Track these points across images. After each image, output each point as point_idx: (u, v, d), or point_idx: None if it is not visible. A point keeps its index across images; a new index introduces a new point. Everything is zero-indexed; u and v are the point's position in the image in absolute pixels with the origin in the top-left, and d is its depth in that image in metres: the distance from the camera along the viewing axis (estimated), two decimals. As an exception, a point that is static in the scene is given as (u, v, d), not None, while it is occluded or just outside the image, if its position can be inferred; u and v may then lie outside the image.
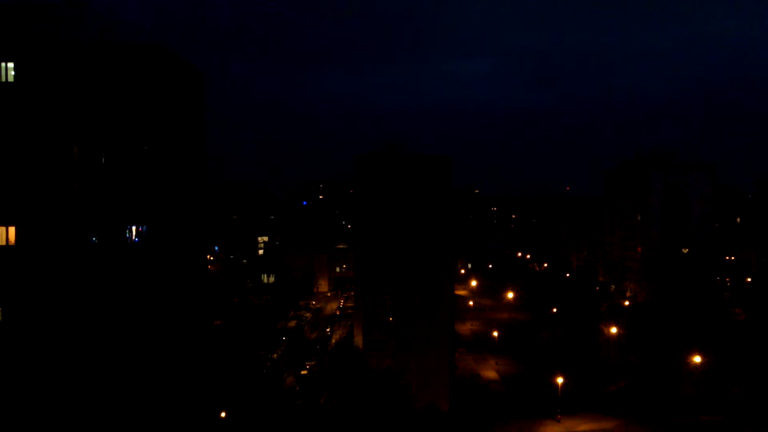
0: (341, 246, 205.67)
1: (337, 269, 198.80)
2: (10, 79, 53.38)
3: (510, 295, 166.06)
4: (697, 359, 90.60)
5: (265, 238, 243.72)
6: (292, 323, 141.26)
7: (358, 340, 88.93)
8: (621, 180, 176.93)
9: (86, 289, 53.34)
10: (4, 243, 53.20)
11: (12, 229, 53.30)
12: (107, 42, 57.23)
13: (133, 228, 54.57)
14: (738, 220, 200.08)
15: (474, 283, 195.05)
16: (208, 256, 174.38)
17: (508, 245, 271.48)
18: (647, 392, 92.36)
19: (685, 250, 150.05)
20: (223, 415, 69.12)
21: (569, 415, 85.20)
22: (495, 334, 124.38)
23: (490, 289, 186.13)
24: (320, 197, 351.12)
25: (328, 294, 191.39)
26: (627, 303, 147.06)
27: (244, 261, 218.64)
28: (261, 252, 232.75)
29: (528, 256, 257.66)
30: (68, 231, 53.40)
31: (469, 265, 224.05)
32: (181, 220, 60.44)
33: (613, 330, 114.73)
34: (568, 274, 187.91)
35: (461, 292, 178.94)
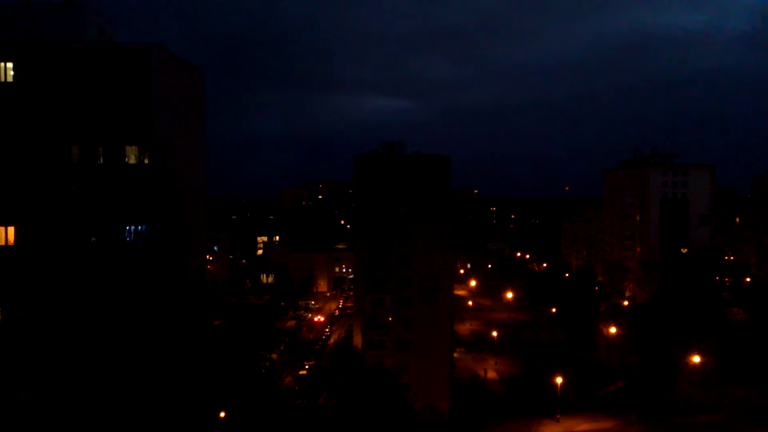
0: (341, 246, 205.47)
1: (337, 269, 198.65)
2: (10, 79, 53.45)
3: (509, 295, 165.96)
4: (697, 359, 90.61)
5: (265, 238, 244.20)
6: (292, 323, 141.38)
7: (358, 340, 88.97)
8: (621, 180, 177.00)
9: (86, 289, 53.41)
10: (3, 243, 53.27)
11: (12, 229, 53.40)
12: (107, 42, 57.35)
13: (132, 228, 54.61)
14: (737, 220, 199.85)
15: (473, 283, 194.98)
16: (208, 256, 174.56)
17: (508, 245, 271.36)
18: (646, 392, 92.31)
19: (685, 250, 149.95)
20: (222, 414, 69.19)
21: (568, 415, 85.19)
22: (494, 334, 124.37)
23: (490, 289, 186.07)
24: (320, 197, 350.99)
25: (328, 294, 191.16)
26: (626, 303, 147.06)
27: (244, 261, 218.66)
28: (260, 252, 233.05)
29: (527, 256, 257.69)
30: (67, 231, 53.46)
31: (469, 265, 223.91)
32: (181, 219, 60.43)
33: (613, 330, 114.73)
34: (567, 274, 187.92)
35: (461, 292, 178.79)
